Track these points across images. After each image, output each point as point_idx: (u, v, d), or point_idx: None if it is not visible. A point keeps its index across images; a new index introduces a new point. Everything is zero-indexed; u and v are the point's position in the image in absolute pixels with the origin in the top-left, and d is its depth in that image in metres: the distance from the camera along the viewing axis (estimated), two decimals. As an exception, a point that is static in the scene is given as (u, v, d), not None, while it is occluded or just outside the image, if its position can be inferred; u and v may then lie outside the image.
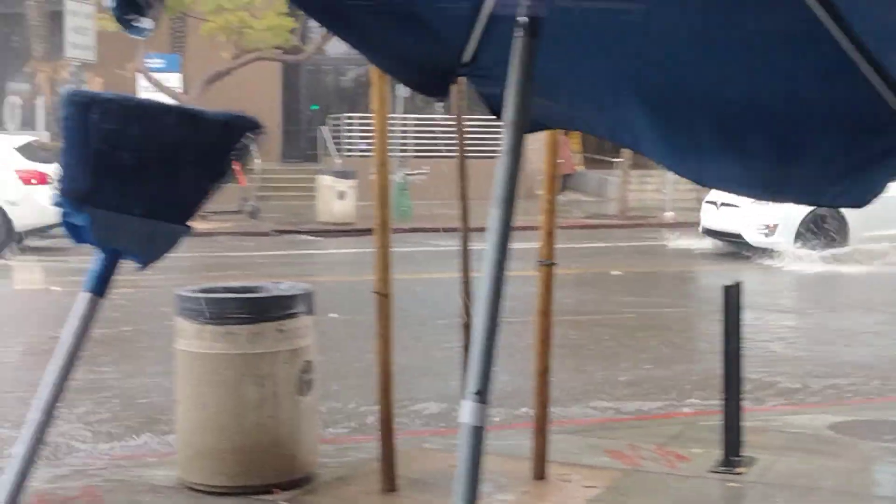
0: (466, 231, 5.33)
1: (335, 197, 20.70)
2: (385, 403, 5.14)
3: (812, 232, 16.19)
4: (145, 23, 2.24)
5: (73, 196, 2.25)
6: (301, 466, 5.29)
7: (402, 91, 21.42)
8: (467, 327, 5.13)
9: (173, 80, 23.77)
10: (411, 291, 10.87)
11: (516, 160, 2.11)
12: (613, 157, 26.22)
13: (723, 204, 16.78)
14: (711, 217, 17.22)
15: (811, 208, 15.85)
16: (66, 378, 2.26)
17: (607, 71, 2.59)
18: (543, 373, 5.34)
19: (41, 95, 27.76)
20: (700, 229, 17.51)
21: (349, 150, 27.17)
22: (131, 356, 8.99)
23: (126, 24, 2.25)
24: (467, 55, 2.56)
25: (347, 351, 8.66)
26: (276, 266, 15.41)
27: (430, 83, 2.64)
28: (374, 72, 4.92)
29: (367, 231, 19.68)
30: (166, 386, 6.26)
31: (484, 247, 2.20)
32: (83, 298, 2.32)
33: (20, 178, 16.05)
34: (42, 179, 16.16)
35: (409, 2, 2.39)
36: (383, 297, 5.05)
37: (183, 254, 15.42)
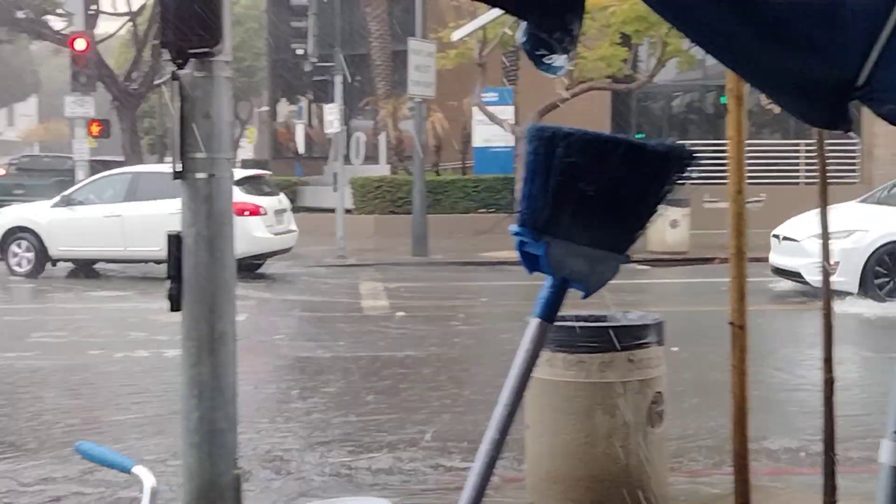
0: (827, 261, 5.10)
1: (667, 225, 20.46)
2: (740, 438, 4.99)
3: (885, 268, 13.52)
4: (558, 60, 2.29)
5: (533, 226, 2.33)
6: (651, 498, 5.22)
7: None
8: (828, 362, 4.90)
9: (507, 112, 24.43)
10: (754, 323, 10.52)
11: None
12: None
13: (784, 238, 14.35)
14: (775, 252, 14.69)
15: (879, 243, 13.55)
16: (520, 398, 2.35)
17: None
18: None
19: (383, 131, 29.41)
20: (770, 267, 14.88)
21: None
22: (464, 380, 9.27)
23: (538, 61, 2.30)
24: (862, 77, 2.42)
25: (690, 383, 8.50)
26: (609, 295, 15.38)
27: (817, 111, 2.51)
28: (730, 98, 4.83)
29: (701, 260, 19.15)
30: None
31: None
32: (534, 324, 2.40)
33: (234, 209, 17.04)
34: (254, 211, 17.26)
35: (802, 27, 2.29)
36: (739, 328, 4.91)
37: (509, 282, 15.66)
